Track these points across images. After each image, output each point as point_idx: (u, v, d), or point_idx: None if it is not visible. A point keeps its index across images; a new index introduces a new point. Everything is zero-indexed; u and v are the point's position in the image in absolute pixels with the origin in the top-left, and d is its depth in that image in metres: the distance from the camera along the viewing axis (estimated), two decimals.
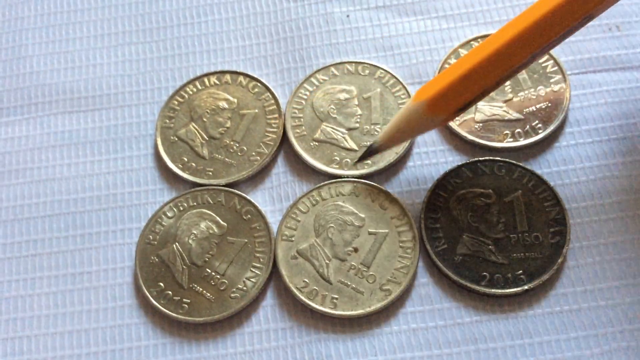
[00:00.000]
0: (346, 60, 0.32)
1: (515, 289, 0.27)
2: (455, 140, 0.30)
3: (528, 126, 0.29)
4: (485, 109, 0.30)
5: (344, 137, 0.30)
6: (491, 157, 0.29)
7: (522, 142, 0.29)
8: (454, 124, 0.30)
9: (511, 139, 0.29)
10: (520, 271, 0.27)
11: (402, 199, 0.29)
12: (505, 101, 0.30)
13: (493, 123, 0.30)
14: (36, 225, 0.30)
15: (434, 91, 0.25)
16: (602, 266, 0.27)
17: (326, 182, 0.29)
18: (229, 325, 0.27)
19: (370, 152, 0.28)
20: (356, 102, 0.31)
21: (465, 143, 0.30)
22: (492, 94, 0.30)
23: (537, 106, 0.30)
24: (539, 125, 0.29)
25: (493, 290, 0.27)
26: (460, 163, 0.29)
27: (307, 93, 0.31)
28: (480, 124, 0.30)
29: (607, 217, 0.28)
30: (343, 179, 0.29)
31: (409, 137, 0.28)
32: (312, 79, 0.31)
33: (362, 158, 0.28)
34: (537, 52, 0.24)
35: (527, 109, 0.30)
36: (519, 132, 0.29)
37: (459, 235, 0.28)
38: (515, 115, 0.30)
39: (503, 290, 0.27)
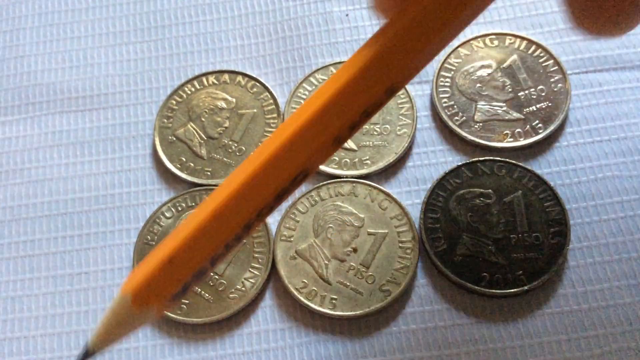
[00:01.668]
0: (345, 59, 0.31)
1: (515, 290, 0.26)
2: (455, 140, 0.30)
3: (528, 126, 0.29)
4: (485, 108, 0.30)
5: None
6: (491, 157, 0.29)
7: (522, 142, 0.29)
8: (453, 124, 0.30)
9: (511, 139, 0.29)
10: (520, 272, 0.27)
11: (401, 199, 0.29)
12: (506, 101, 0.30)
13: (493, 123, 0.29)
14: (33, 226, 0.30)
15: (138, 281, 0.20)
16: (603, 267, 0.27)
17: (325, 182, 0.29)
18: (227, 326, 0.27)
19: (87, 355, 0.22)
20: None
21: (465, 143, 0.30)
22: (493, 93, 0.30)
23: (538, 106, 0.30)
24: (539, 125, 0.29)
25: (493, 290, 0.26)
26: (459, 163, 0.29)
27: (306, 93, 0.31)
28: (480, 124, 0.30)
29: (607, 217, 0.28)
30: (342, 179, 0.29)
31: (126, 334, 0.22)
32: (311, 79, 0.31)
33: None
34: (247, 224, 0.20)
35: (528, 109, 0.30)
36: (519, 132, 0.29)
37: (459, 236, 0.27)
38: (515, 115, 0.30)
39: (503, 291, 0.26)
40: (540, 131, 0.29)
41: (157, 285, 0.21)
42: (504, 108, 0.30)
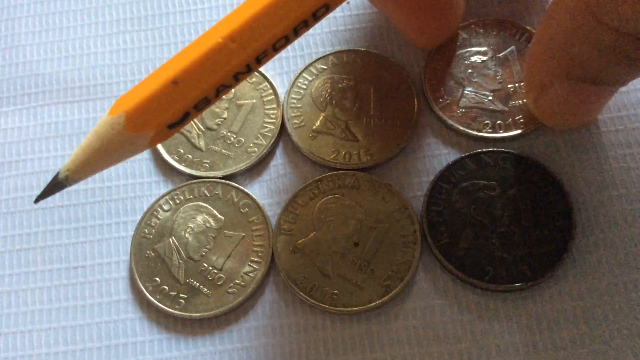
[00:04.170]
0: (346, 48, 0.31)
1: (519, 284, 0.26)
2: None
3: (510, 119, 0.29)
4: (472, 95, 0.29)
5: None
6: (495, 149, 0.28)
7: (501, 134, 0.28)
8: (436, 105, 0.29)
9: (490, 129, 0.28)
10: (525, 266, 0.26)
11: (403, 192, 0.28)
12: (493, 91, 0.29)
13: (476, 111, 0.29)
14: (29, 219, 0.29)
15: (135, 101, 0.19)
16: (609, 261, 0.27)
17: (326, 174, 0.28)
18: (226, 321, 0.27)
19: (57, 185, 0.21)
20: (356, 92, 0.30)
21: (446, 127, 0.29)
22: (482, 81, 0.29)
23: (525, 100, 0.29)
24: (522, 120, 0.29)
25: (497, 285, 0.26)
26: (463, 154, 0.28)
27: (306, 82, 0.30)
28: (463, 110, 0.29)
29: (613, 210, 0.27)
30: (343, 171, 0.28)
31: (110, 163, 0.20)
32: (311, 68, 0.31)
33: (45, 194, 0.21)
34: (260, 53, 0.20)
35: (514, 102, 0.29)
36: (499, 124, 0.29)
37: (462, 229, 0.27)
38: (500, 106, 0.29)
39: (507, 286, 0.26)
40: (522, 126, 0.28)
41: (157, 108, 0.19)
42: (490, 98, 0.29)
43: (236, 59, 0.20)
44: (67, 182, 0.20)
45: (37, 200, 0.21)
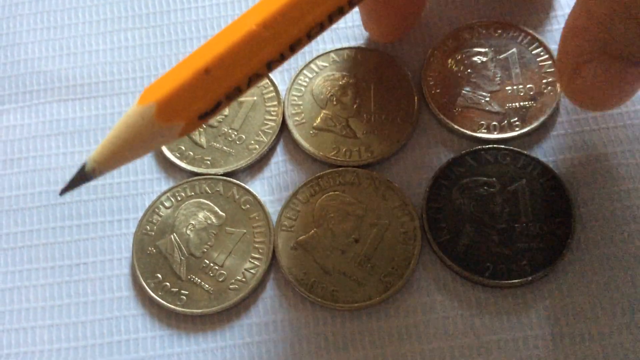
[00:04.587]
0: (347, 46, 0.31)
1: (519, 280, 0.26)
2: (433, 123, 0.29)
3: (506, 121, 0.29)
4: (469, 95, 0.29)
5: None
6: (495, 146, 0.28)
7: (495, 135, 0.28)
8: (433, 104, 0.29)
9: (484, 131, 0.28)
10: (525, 262, 0.26)
11: (403, 189, 0.28)
12: (491, 92, 0.29)
13: (472, 111, 0.29)
14: (32, 216, 0.29)
15: (166, 90, 0.18)
16: (609, 257, 0.27)
17: (326, 171, 0.29)
18: (227, 317, 0.27)
19: (83, 177, 0.20)
20: (357, 89, 0.30)
21: (441, 126, 0.29)
22: (481, 82, 0.29)
23: (522, 103, 0.29)
24: (517, 122, 0.29)
25: (497, 281, 0.26)
26: (463, 152, 0.28)
27: (307, 80, 0.30)
28: (459, 109, 0.29)
29: (613, 207, 0.27)
30: (344, 168, 0.29)
31: (138, 155, 0.20)
32: (312, 66, 0.31)
33: (71, 186, 0.20)
34: (295, 41, 0.20)
35: (510, 104, 0.29)
36: (494, 125, 0.29)
37: (462, 226, 0.27)
38: (496, 108, 0.29)
39: (507, 282, 0.26)
40: (517, 129, 0.28)
41: (189, 98, 0.18)
42: (487, 99, 0.29)
43: (270, 47, 0.19)
44: (94, 174, 0.19)
45: (62, 193, 0.21)
